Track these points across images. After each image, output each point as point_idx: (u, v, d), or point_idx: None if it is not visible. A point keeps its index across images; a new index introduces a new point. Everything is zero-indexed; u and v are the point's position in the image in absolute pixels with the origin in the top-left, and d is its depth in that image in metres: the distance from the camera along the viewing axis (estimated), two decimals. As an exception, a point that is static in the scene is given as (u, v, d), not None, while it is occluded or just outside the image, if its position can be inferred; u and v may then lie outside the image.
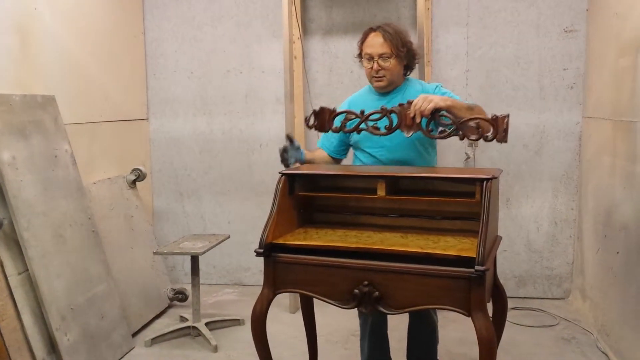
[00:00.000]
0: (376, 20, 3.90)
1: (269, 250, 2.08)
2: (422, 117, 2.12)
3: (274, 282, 2.11)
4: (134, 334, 3.43)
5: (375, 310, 1.97)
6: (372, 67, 2.45)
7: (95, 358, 2.95)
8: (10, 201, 2.73)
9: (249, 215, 4.30)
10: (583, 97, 3.78)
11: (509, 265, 4.00)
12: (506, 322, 2.40)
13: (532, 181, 3.92)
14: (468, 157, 3.93)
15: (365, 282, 1.95)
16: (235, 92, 4.25)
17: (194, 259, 3.44)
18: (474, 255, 1.82)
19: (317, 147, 2.70)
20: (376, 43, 2.43)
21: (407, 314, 2.45)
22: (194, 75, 4.29)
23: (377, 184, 2.12)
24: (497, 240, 2.20)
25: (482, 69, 3.90)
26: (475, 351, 1.86)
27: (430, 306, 1.95)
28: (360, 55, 2.53)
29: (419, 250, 1.96)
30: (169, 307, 3.93)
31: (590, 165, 3.63)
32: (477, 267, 1.80)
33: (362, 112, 2.21)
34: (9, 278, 2.70)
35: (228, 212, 4.37)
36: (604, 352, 3.13)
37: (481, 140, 2.05)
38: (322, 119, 2.28)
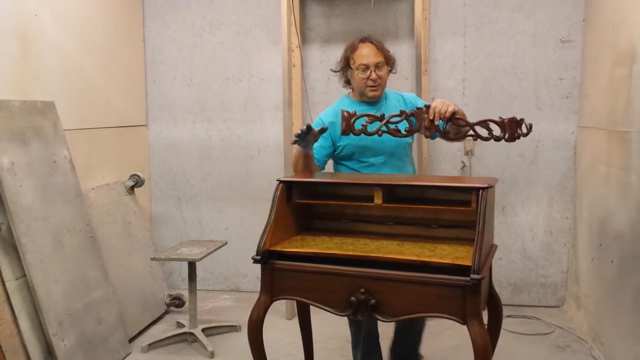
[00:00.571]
0: (375, 29, 3.95)
1: (266, 257, 2.10)
2: (440, 119, 2.21)
3: (271, 289, 2.12)
4: (131, 340, 3.43)
5: (371, 318, 1.98)
6: (368, 77, 2.49)
7: (92, 363, 2.96)
8: (8, 206, 2.74)
9: (246, 221, 4.32)
10: (579, 106, 3.81)
11: (504, 273, 4.01)
12: (501, 329, 2.41)
13: (528, 190, 3.95)
14: (464, 166, 3.95)
15: (362, 290, 1.97)
16: (234, 99, 4.27)
17: (191, 265, 3.45)
18: (470, 264, 1.84)
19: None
20: (370, 53, 2.49)
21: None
22: (194, 82, 4.32)
23: (374, 192, 2.14)
24: (492, 248, 2.22)
25: (479, 78, 3.93)
26: (470, 359, 1.88)
27: (426, 314, 1.97)
28: (346, 67, 2.56)
29: (415, 258, 1.98)
30: (166, 312, 3.93)
31: (585, 175, 3.66)
32: (472, 276, 1.81)
33: (382, 115, 2.25)
34: (6, 283, 2.71)
35: (226, 218, 4.38)
36: (598, 361, 3.15)
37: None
38: (348, 123, 2.29)
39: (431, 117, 2.20)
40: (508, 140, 2.10)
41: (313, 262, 2.06)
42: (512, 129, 2.08)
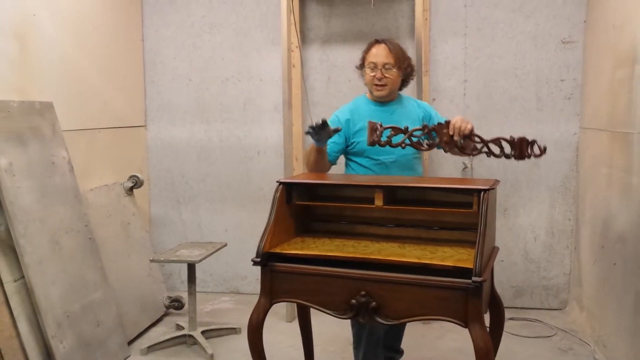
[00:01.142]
0: (375, 30, 3.94)
1: (266, 259, 2.08)
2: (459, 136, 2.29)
3: (271, 292, 2.10)
4: (130, 342, 3.41)
5: (372, 320, 1.97)
6: (374, 75, 2.59)
7: (90, 366, 2.94)
8: (6, 208, 2.72)
9: (246, 223, 4.30)
10: (580, 108, 3.80)
11: (506, 276, 3.99)
12: (503, 332, 2.40)
13: (530, 191, 3.93)
14: (465, 167, 3.93)
15: (363, 293, 1.95)
16: (234, 100, 4.26)
17: (191, 267, 3.43)
18: (472, 266, 1.83)
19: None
20: (381, 53, 2.59)
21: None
22: (192, 83, 4.30)
23: (374, 193, 2.13)
24: (494, 251, 2.20)
25: (479, 79, 3.91)
26: (472, 362, 1.86)
27: (427, 317, 1.95)
28: (362, 65, 2.67)
29: (416, 260, 1.96)
30: (165, 315, 3.91)
31: (587, 176, 3.64)
32: (474, 279, 1.80)
33: (407, 128, 2.29)
34: (4, 285, 2.69)
35: (225, 219, 4.36)
36: (600, 363, 3.13)
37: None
38: (373, 134, 2.33)
39: (451, 133, 2.28)
40: (517, 159, 2.19)
41: (313, 264, 2.05)
42: (522, 147, 2.17)
